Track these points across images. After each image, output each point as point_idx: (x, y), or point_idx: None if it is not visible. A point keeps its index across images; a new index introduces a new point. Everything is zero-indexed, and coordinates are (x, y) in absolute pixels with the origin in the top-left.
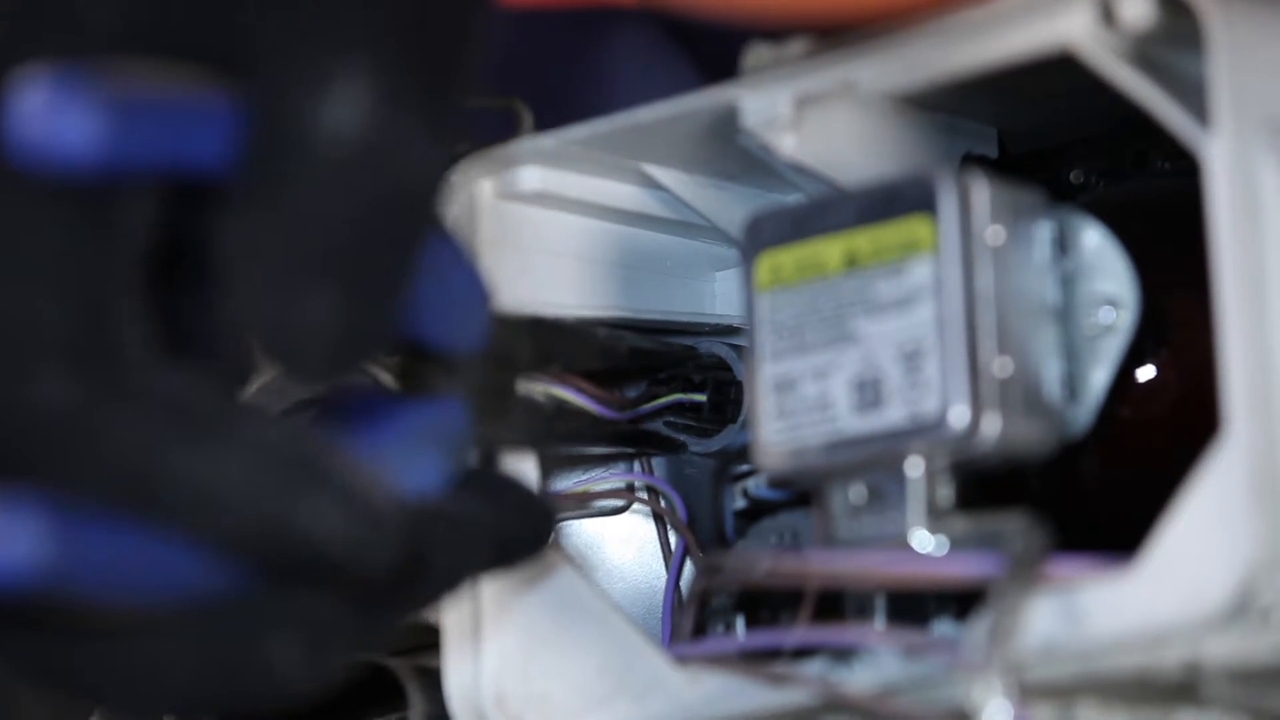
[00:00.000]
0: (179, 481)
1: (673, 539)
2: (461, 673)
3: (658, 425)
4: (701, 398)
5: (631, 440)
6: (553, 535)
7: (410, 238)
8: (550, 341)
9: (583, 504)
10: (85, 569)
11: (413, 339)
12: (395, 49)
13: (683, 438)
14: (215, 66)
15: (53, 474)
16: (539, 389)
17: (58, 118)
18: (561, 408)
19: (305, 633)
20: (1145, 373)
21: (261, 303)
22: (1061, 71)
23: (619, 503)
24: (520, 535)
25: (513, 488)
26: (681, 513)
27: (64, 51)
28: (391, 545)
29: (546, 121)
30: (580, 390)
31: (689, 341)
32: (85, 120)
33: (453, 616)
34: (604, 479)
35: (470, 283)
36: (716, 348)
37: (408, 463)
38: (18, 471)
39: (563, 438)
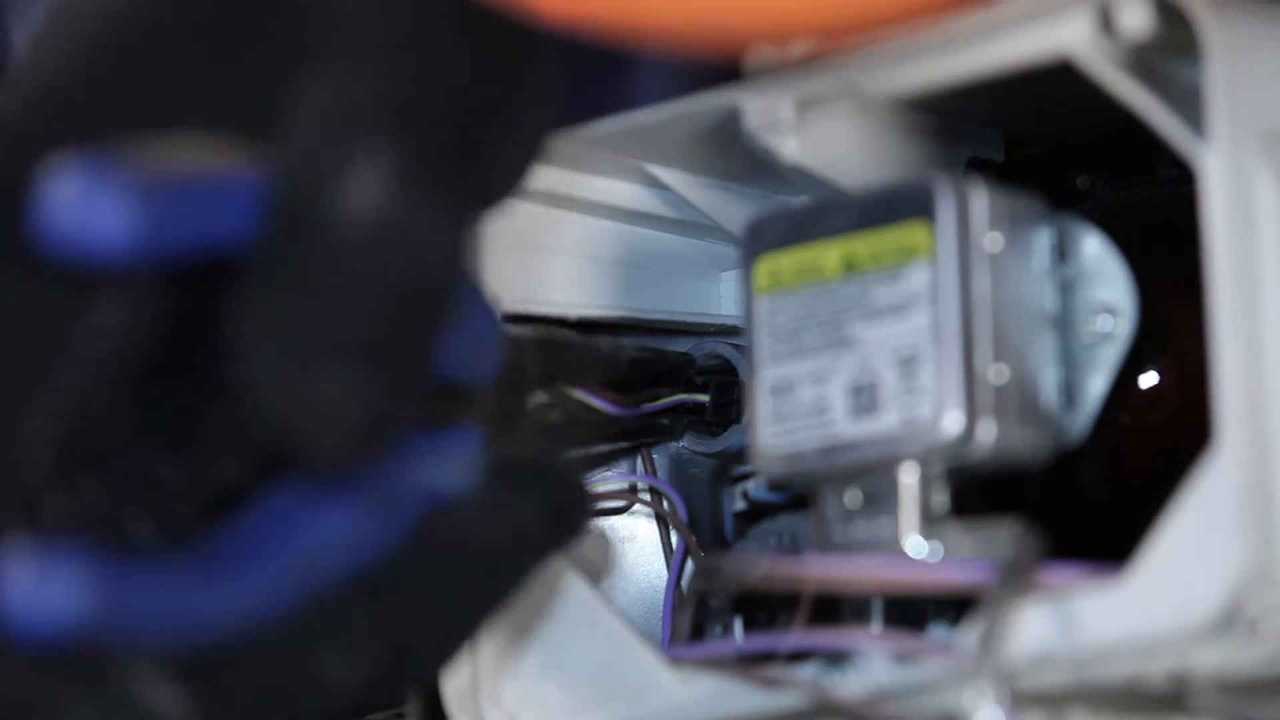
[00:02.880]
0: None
1: (674, 539)
2: (458, 671)
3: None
4: (704, 398)
5: (637, 434)
6: (587, 518)
7: (431, 318)
8: (556, 359)
9: None
10: (129, 616)
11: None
12: (420, 130)
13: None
14: (240, 132)
15: None
16: (546, 396)
17: (90, 210)
18: (569, 416)
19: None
20: (1143, 380)
21: (279, 385)
22: (1066, 76)
23: (620, 503)
24: (556, 522)
25: (537, 479)
26: (683, 513)
27: (91, 126)
28: None
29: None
30: (588, 389)
31: (693, 341)
32: (118, 212)
33: None
34: (606, 479)
35: (485, 317)
36: (721, 348)
37: (425, 492)
38: None
39: (572, 443)
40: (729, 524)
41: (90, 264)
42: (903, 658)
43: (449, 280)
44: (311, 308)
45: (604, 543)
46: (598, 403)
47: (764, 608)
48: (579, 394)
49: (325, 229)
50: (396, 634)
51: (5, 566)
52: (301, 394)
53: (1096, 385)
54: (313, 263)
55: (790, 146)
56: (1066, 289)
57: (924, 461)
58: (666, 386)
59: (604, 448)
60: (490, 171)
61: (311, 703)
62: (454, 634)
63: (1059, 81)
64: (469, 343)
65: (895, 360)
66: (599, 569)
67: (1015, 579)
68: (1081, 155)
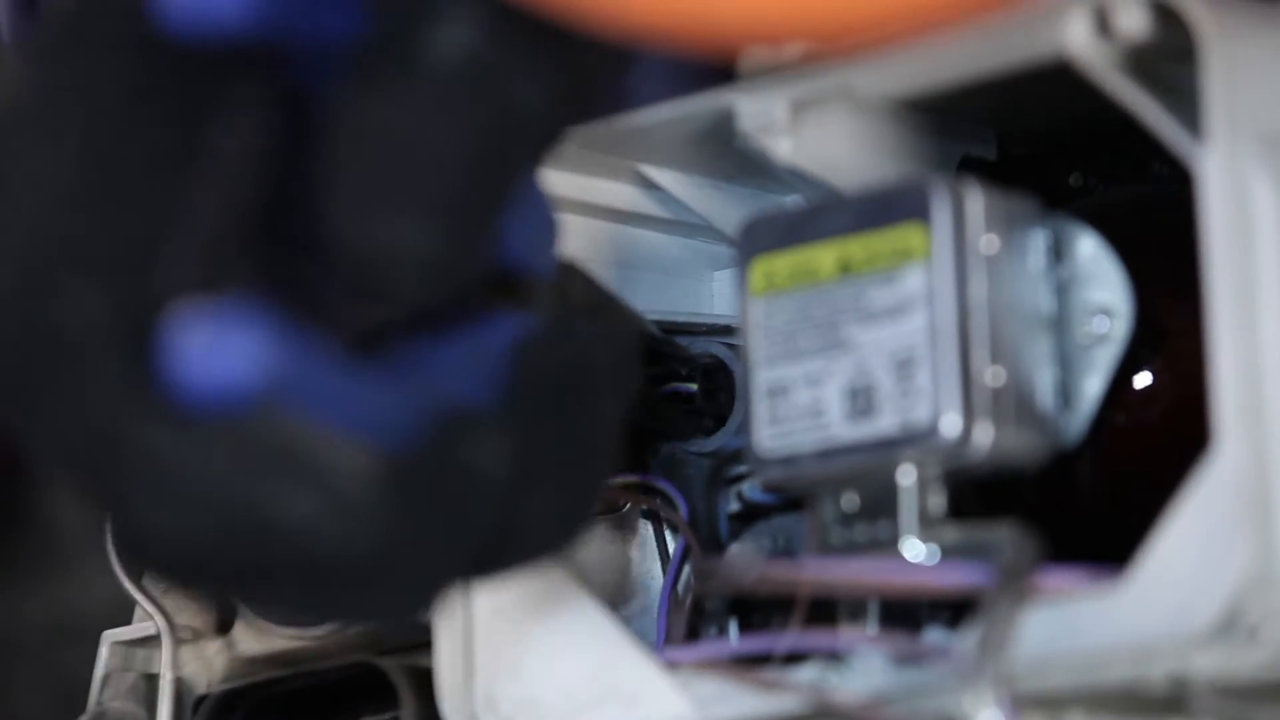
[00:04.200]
0: (140, 455)
1: (669, 539)
2: (453, 673)
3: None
4: (694, 387)
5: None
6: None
7: (509, 168)
8: (595, 292)
9: None
10: (305, 388)
11: (494, 259)
12: None
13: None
14: None
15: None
16: None
17: None
18: None
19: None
20: (1139, 381)
21: (355, 222)
22: (1061, 75)
23: (619, 503)
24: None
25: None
26: (682, 505)
27: None
28: (367, 528)
29: None
30: None
31: (686, 341)
32: None
33: (444, 616)
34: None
35: (546, 210)
36: (714, 347)
37: (476, 375)
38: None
39: None
40: (724, 525)
41: (213, 35)
42: (901, 660)
43: (531, 130)
44: (395, 144)
45: (600, 545)
46: None
47: (760, 609)
48: None
49: (415, 64)
50: (522, 461)
51: (183, 323)
52: (375, 231)
53: (1093, 387)
54: (401, 97)
55: (784, 147)
56: (1062, 290)
57: (921, 464)
58: (653, 379)
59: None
60: (570, 51)
61: (474, 502)
62: (575, 463)
63: (1052, 80)
64: (531, 228)
65: (891, 363)
66: (594, 572)
67: (1013, 583)
68: (1074, 153)
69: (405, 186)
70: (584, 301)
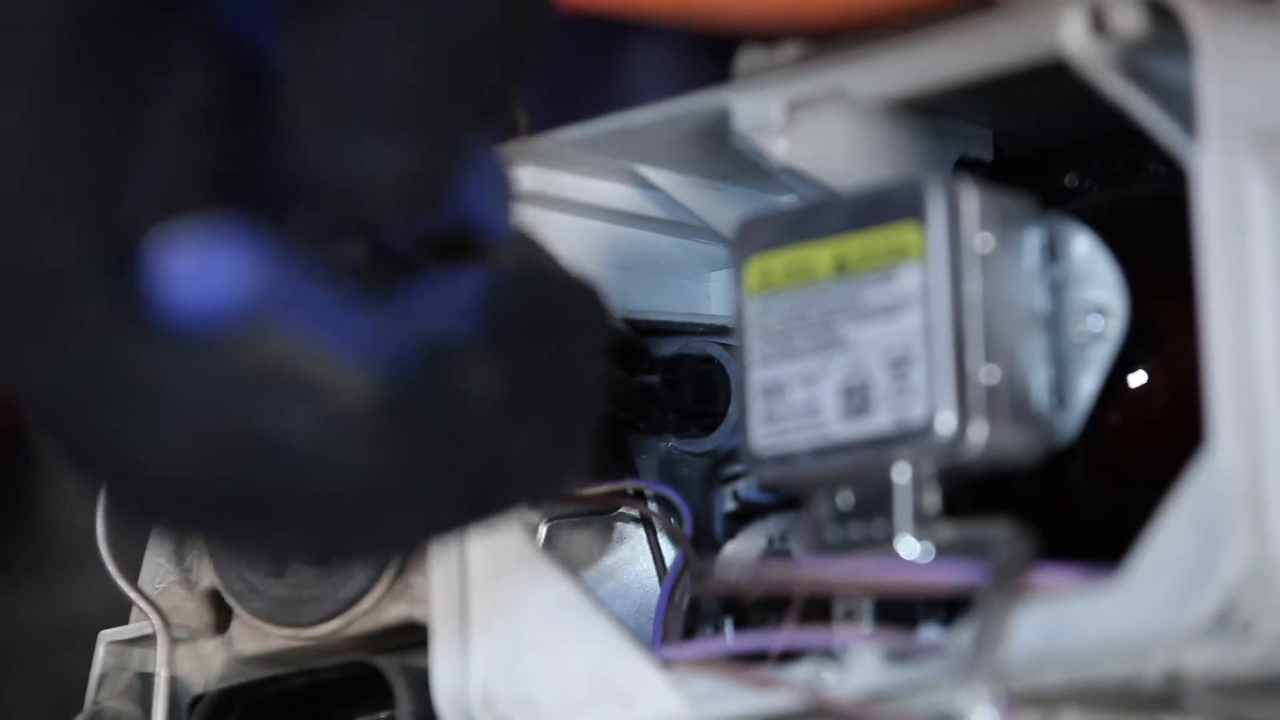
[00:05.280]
0: (131, 381)
1: (663, 539)
2: (449, 673)
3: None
4: (655, 379)
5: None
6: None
7: (465, 83)
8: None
9: (574, 504)
10: (293, 308)
11: (453, 214)
12: None
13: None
14: None
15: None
16: None
17: None
18: None
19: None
20: (1134, 380)
21: (326, 151)
22: (1057, 75)
23: (612, 505)
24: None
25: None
26: (688, 517)
27: None
28: (363, 452)
29: (545, 123)
30: None
31: (683, 341)
32: None
33: (441, 616)
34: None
35: (502, 170)
36: (710, 347)
37: (455, 313)
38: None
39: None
40: (720, 524)
41: None
42: (896, 658)
43: (490, 44)
44: (354, 63)
45: (596, 544)
46: None
47: (755, 608)
48: None
49: None
50: (510, 389)
51: (167, 246)
52: (345, 157)
53: (1087, 385)
54: (337, 23)
55: (780, 147)
56: (1057, 289)
57: (916, 462)
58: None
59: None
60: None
61: (467, 429)
62: (560, 396)
63: (1048, 79)
64: (488, 190)
65: (887, 361)
66: (590, 570)
67: (1008, 581)
68: (1070, 153)
69: (366, 108)
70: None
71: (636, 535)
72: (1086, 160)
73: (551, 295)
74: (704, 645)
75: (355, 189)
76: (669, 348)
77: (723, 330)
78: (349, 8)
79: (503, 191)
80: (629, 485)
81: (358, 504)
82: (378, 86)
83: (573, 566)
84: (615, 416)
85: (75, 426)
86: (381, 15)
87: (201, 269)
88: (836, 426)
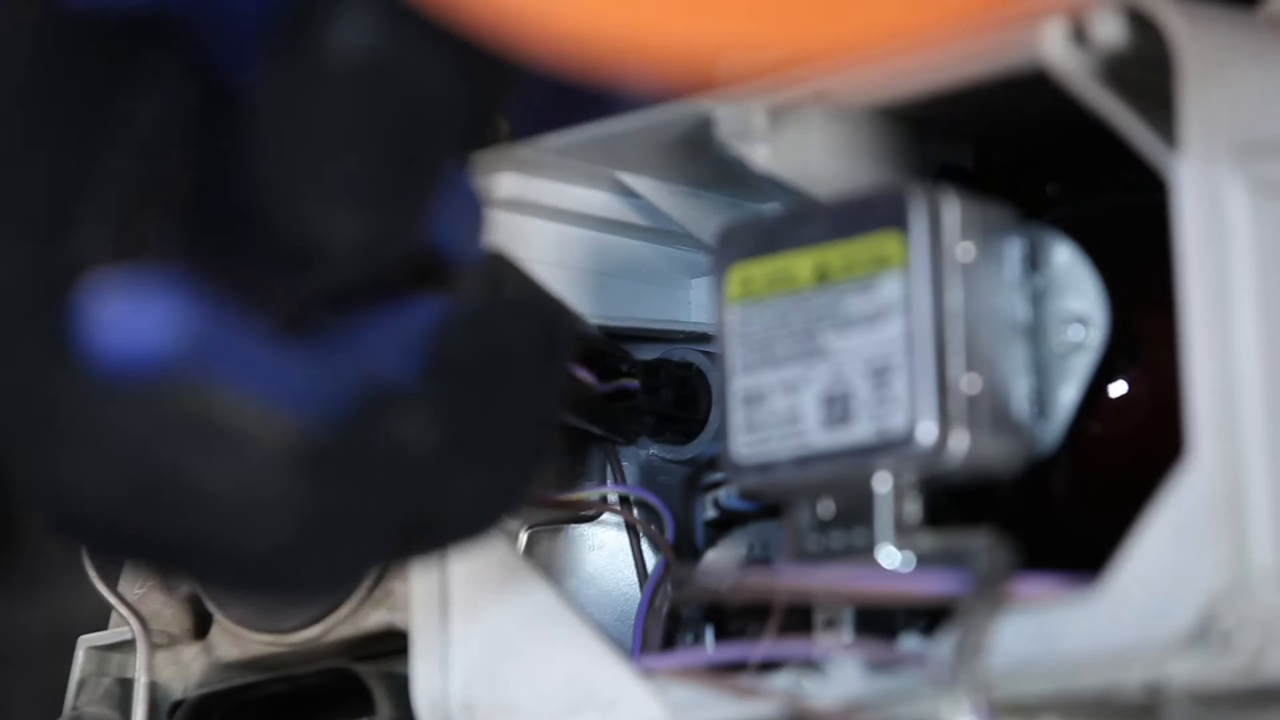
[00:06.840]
0: (60, 416)
1: (645, 547)
2: (429, 679)
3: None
4: (635, 383)
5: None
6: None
7: (430, 154)
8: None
9: (555, 510)
10: (221, 357)
11: (421, 243)
12: None
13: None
14: None
15: None
16: None
17: None
18: None
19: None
20: (1115, 390)
21: (282, 204)
22: (1038, 85)
23: (591, 510)
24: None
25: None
26: (669, 521)
27: None
28: (282, 502)
29: (525, 130)
30: None
31: (664, 348)
32: None
33: (421, 623)
34: (583, 487)
35: (474, 196)
36: (691, 355)
37: (400, 355)
38: None
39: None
40: (700, 532)
41: (115, 4)
42: (877, 667)
43: (446, 114)
44: (312, 137)
45: (576, 550)
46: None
47: (736, 617)
48: None
49: (320, 59)
50: (446, 436)
51: (99, 291)
52: (301, 216)
53: (1068, 395)
54: (307, 84)
55: (762, 154)
56: (1038, 298)
57: (897, 471)
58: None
59: (580, 423)
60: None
61: (398, 478)
62: (501, 444)
63: (1029, 89)
64: (459, 216)
65: (868, 370)
66: (571, 576)
67: (989, 589)
68: (1051, 162)
69: (328, 172)
70: (514, 292)
71: (617, 542)
72: (1068, 169)
73: (502, 339)
74: (684, 654)
75: (309, 248)
76: (649, 354)
77: (703, 338)
78: (318, 74)
79: (474, 217)
80: (611, 491)
81: (279, 551)
82: (346, 155)
83: (553, 573)
84: (589, 432)
85: (9, 447)
86: (344, 90)
87: (131, 316)
88: (817, 435)
